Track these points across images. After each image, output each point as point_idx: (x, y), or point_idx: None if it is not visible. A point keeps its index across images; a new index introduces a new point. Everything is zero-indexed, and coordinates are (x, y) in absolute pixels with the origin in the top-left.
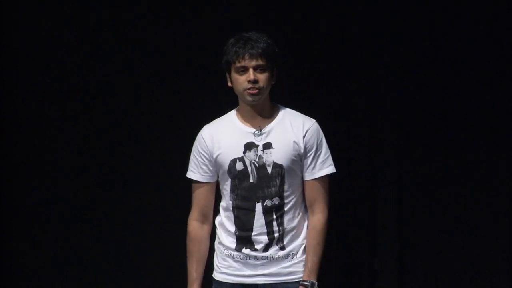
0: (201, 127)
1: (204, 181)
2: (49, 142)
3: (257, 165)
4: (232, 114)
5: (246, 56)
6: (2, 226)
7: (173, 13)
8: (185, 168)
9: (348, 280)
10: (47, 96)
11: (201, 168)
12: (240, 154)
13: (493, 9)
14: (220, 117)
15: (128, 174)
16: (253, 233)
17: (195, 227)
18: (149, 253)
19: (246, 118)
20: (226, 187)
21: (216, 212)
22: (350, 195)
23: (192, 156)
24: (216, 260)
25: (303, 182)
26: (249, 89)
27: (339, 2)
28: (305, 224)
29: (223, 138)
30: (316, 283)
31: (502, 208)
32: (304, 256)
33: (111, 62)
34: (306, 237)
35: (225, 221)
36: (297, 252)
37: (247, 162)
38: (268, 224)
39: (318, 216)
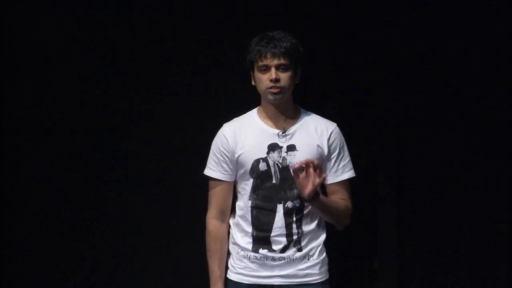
0: (214, 125)
1: (224, 179)
2: (53, 141)
3: (280, 166)
4: (254, 114)
5: (269, 55)
6: (3, 226)
7: (193, 7)
8: (196, 167)
9: (348, 280)
10: (54, 94)
11: (221, 166)
12: (264, 155)
13: (493, 9)
14: (241, 116)
15: (135, 173)
16: (272, 234)
17: (216, 225)
18: (157, 253)
19: (269, 118)
20: (246, 186)
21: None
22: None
23: (211, 154)
24: (232, 261)
25: (321, 186)
26: (271, 88)
27: (340, 3)
28: (323, 225)
29: (246, 137)
30: (319, 194)
31: (502, 208)
32: (320, 258)
33: (124, 58)
34: (323, 240)
35: (241, 222)
36: (314, 254)
37: (271, 163)
38: (288, 226)
39: (345, 202)
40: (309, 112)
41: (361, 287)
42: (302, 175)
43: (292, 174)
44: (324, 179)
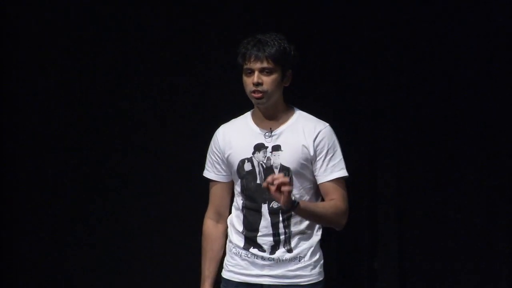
0: (217, 125)
1: (219, 180)
2: (53, 141)
3: (264, 166)
4: (248, 115)
5: (252, 58)
6: (3, 226)
7: (190, 9)
8: (196, 168)
9: (348, 280)
10: (54, 95)
11: (215, 167)
12: (249, 155)
13: (493, 9)
14: (237, 117)
15: (135, 173)
16: (259, 234)
17: (209, 225)
18: (157, 253)
19: (259, 119)
20: (237, 187)
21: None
22: (350, 195)
23: (207, 155)
24: (225, 258)
25: (315, 186)
26: (254, 92)
27: (340, 3)
28: (316, 227)
29: (234, 138)
30: (298, 203)
31: (502, 208)
32: (313, 259)
33: (124, 59)
34: (316, 241)
35: (234, 220)
36: (305, 255)
37: (255, 163)
38: (274, 225)
39: (337, 202)
40: (303, 113)
41: (361, 287)
42: (273, 188)
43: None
44: (290, 190)
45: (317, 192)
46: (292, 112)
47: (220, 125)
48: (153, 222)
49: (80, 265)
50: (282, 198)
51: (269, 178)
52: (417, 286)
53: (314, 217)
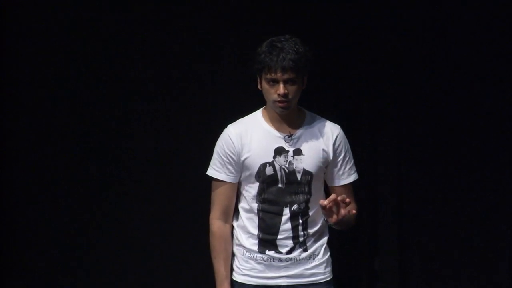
0: (217, 125)
1: (229, 181)
2: (53, 141)
3: (287, 170)
4: (259, 115)
5: (278, 70)
6: (3, 226)
7: (196, 8)
8: (199, 168)
9: (348, 280)
10: (55, 95)
11: (227, 168)
12: (270, 159)
13: (493, 9)
14: (245, 117)
15: (136, 173)
16: (279, 237)
17: (220, 226)
18: (157, 254)
19: (274, 121)
20: (251, 189)
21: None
22: None
23: (216, 155)
24: (237, 262)
25: (323, 185)
26: (278, 101)
27: (341, 5)
28: (326, 226)
29: (252, 140)
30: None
31: (502, 208)
32: (325, 257)
33: (126, 58)
34: (326, 239)
35: (246, 224)
36: (319, 253)
37: (277, 167)
38: (294, 228)
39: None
40: (313, 114)
41: (361, 287)
42: (329, 205)
43: (298, 178)
44: (350, 213)
45: (324, 190)
46: (304, 114)
47: (224, 123)
48: (154, 223)
49: (80, 265)
50: (334, 217)
51: (336, 198)
52: (417, 286)
53: (347, 225)
